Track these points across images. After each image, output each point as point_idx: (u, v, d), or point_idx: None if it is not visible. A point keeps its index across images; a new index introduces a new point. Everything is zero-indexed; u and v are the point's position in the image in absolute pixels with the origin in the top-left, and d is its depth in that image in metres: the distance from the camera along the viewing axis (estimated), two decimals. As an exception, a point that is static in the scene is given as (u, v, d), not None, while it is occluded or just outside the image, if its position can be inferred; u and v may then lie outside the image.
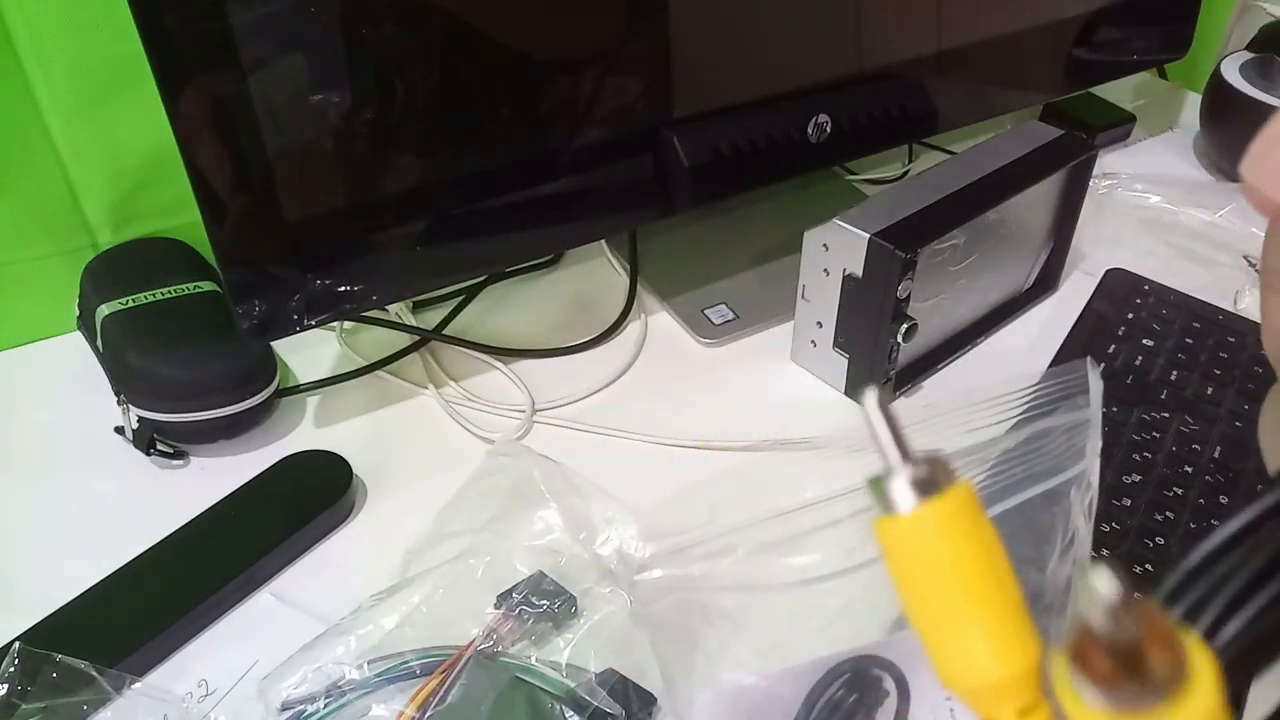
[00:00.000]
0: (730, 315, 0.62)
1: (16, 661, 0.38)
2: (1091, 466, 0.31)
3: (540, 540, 0.45)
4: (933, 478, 0.18)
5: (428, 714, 0.37)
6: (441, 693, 0.38)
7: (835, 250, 0.52)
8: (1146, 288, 0.63)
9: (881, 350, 0.53)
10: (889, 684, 0.34)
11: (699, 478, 0.50)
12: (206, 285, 0.55)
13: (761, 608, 0.34)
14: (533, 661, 0.40)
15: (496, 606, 0.42)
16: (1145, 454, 0.50)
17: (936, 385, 0.58)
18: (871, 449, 0.18)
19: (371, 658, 0.40)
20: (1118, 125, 0.83)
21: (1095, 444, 0.31)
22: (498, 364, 0.59)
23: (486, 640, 0.40)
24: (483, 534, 0.45)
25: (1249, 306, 0.63)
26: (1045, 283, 0.64)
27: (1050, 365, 0.54)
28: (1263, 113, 0.67)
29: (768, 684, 0.34)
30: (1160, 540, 0.45)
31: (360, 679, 0.39)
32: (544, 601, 0.42)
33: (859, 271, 0.51)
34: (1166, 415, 0.53)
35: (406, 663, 0.40)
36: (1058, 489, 0.31)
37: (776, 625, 0.34)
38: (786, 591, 0.33)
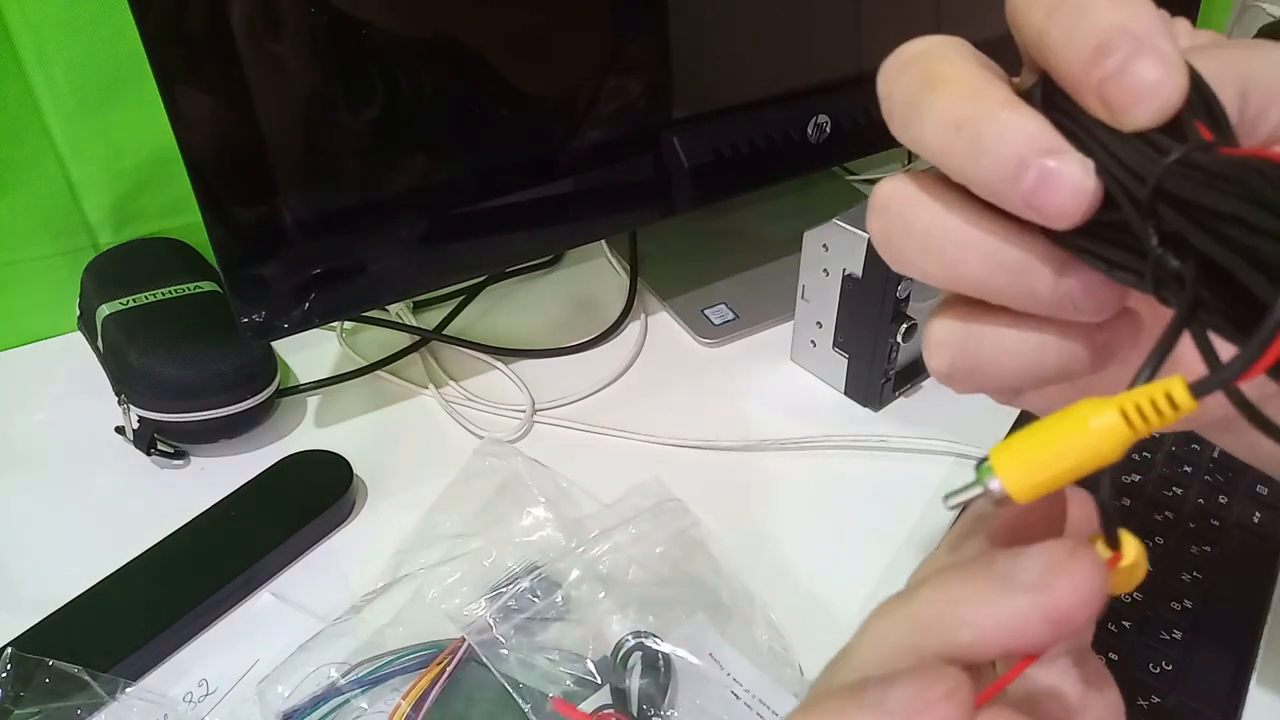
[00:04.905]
0: (730, 315, 0.62)
1: (9, 667, 0.38)
2: None
3: (530, 537, 0.45)
4: None
5: (422, 711, 0.38)
6: (435, 689, 0.38)
7: (835, 250, 0.52)
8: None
9: (881, 350, 0.53)
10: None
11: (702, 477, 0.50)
12: (207, 285, 0.55)
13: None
14: (524, 656, 0.40)
15: (488, 603, 0.42)
16: (1145, 453, 0.50)
17: (936, 385, 0.58)
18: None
19: (365, 656, 0.40)
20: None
21: None
22: (498, 364, 0.59)
23: (478, 636, 0.40)
24: (472, 532, 0.45)
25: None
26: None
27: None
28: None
29: None
30: (1160, 540, 0.45)
31: (355, 678, 0.39)
32: (534, 597, 0.42)
33: (859, 271, 0.51)
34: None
35: (400, 659, 0.40)
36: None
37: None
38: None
